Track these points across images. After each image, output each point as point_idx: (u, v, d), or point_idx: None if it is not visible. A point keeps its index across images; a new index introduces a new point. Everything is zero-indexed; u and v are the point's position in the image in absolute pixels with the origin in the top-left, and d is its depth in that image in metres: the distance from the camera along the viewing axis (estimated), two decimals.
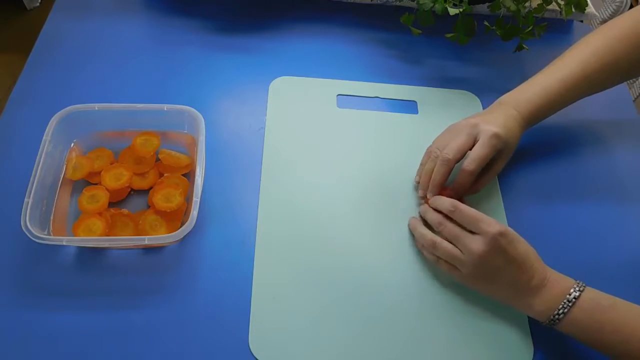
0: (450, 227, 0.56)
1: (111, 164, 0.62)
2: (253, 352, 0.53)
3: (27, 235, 0.52)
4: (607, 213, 0.68)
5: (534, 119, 0.65)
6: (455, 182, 0.61)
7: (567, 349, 0.57)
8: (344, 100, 0.75)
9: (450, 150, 0.60)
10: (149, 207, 0.61)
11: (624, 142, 0.75)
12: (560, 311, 0.51)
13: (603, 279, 0.57)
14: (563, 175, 0.71)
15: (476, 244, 0.53)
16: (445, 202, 0.57)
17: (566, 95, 0.64)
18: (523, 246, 0.54)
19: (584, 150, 0.74)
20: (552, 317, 0.51)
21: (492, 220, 0.53)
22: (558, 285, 0.53)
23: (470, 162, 0.59)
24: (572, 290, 0.51)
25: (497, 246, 0.52)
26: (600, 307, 0.51)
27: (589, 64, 0.63)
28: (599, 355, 0.53)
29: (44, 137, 0.59)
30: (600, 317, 0.50)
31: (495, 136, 0.59)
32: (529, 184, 0.69)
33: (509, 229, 0.53)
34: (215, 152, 0.67)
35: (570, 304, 0.51)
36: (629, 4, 1.04)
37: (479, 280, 0.55)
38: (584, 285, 0.52)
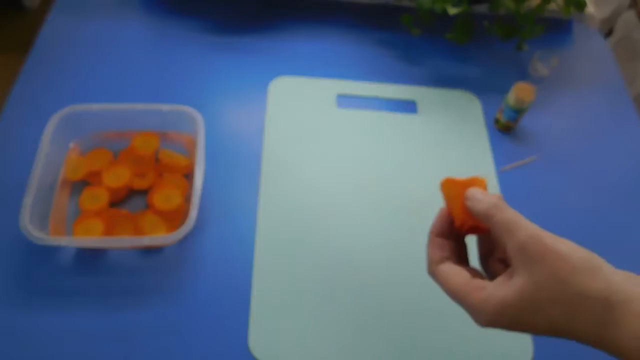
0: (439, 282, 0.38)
1: (110, 164, 0.62)
2: (253, 352, 0.53)
3: (26, 236, 0.52)
4: (607, 213, 0.68)
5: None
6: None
7: (567, 349, 0.57)
8: (344, 100, 0.75)
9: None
10: (148, 207, 0.61)
11: (624, 142, 0.75)
12: None
13: None
14: (563, 175, 0.71)
15: (473, 317, 0.36)
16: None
17: None
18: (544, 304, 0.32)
19: (584, 150, 0.74)
20: None
21: (471, 298, 0.35)
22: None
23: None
24: None
25: (499, 325, 0.34)
26: None
27: None
28: (600, 356, 0.52)
29: (43, 137, 0.59)
30: None
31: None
32: (529, 184, 0.69)
33: (500, 304, 0.33)
34: (215, 152, 0.67)
35: None
36: (628, 4, 1.04)
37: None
38: None
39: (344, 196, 0.65)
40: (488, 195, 0.37)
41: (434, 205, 0.65)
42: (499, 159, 0.71)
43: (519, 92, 0.69)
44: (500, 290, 0.34)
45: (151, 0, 0.83)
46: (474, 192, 0.38)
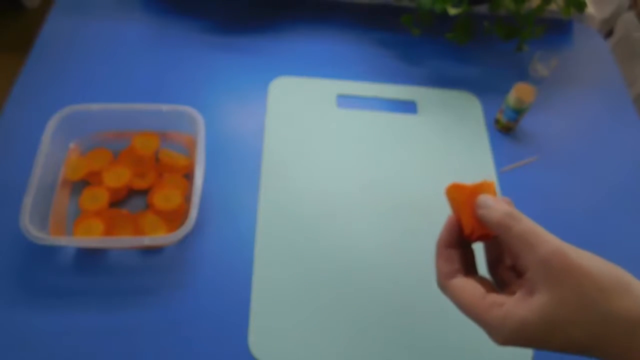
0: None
1: (110, 164, 0.62)
2: (253, 352, 0.53)
3: (26, 235, 0.52)
4: (607, 213, 0.68)
5: None
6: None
7: None
8: (344, 100, 0.75)
9: None
10: (148, 207, 0.61)
11: (624, 142, 0.75)
12: None
13: None
14: (563, 175, 0.71)
15: (490, 335, 0.34)
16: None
17: None
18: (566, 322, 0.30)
19: (584, 150, 0.74)
20: None
21: (488, 316, 0.33)
22: None
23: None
24: None
25: (517, 344, 0.32)
26: None
27: None
28: None
29: (43, 138, 0.59)
30: None
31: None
32: (529, 184, 0.69)
33: (520, 322, 0.31)
34: (215, 152, 0.67)
35: None
36: (628, 5, 1.04)
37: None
38: None
39: (343, 196, 0.65)
40: (500, 202, 0.35)
41: (434, 205, 0.65)
42: (499, 160, 0.71)
43: (519, 92, 0.69)
44: (520, 308, 0.31)
45: (151, 0, 0.83)
46: (485, 199, 0.35)
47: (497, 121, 0.74)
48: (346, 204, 0.64)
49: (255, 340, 0.54)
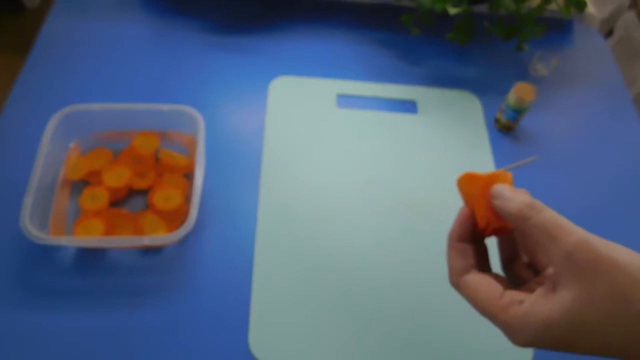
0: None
1: (110, 164, 0.62)
2: (253, 352, 0.53)
3: (26, 235, 0.52)
4: (606, 213, 0.68)
5: None
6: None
7: None
8: (344, 100, 0.75)
9: None
10: (148, 207, 0.61)
11: (624, 142, 0.75)
12: None
13: None
14: (563, 175, 0.71)
15: (509, 336, 0.31)
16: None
17: None
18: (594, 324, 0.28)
19: (584, 150, 0.74)
20: None
21: (507, 315, 0.30)
22: None
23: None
24: None
25: (539, 346, 0.30)
26: None
27: None
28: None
29: (43, 137, 0.59)
30: None
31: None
32: (529, 184, 0.69)
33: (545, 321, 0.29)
34: (215, 152, 0.67)
35: None
36: (628, 4, 1.04)
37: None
38: None
39: (344, 196, 0.65)
40: (518, 192, 0.32)
41: (434, 204, 0.65)
42: (499, 159, 0.71)
43: (519, 92, 0.69)
44: (543, 305, 0.28)
45: (151, 0, 0.83)
46: (501, 189, 0.32)
47: (497, 121, 0.74)
48: (346, 203, 0.64)
49: (255, 340, 0.54)
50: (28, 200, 0.54)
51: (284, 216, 0.62)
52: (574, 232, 0.29)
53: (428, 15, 0.75)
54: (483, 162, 0.70)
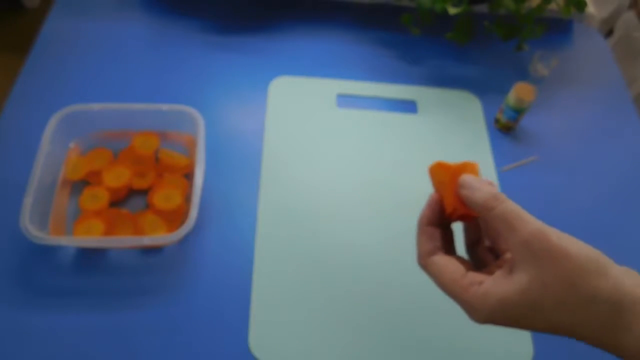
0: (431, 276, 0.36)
1: (110, 164, 0.62)
2: (253, 351, 0.53)
3: (26, 235, 0.52)
4: (606, 213, 0.68)
5: None
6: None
7: (567, 348, 0.57)
8: (344, 100, 0.75)
9: None
10: (148, 207, 0.61)
11: (624, 142, 0.75)
12: None
13: None
14: (563, 175, 0.71)
15: (469, 313, 0.34)
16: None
17: None
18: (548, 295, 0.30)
19: (584, 150, 0.74)
20: None
21: (467, 294, 0.33)
22: None
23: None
24: None
25: (497, 322, 0.33)
26: None
27: None
28: (600, 355, 0.52)
29: (43, 137, 0.59)
30: None
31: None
32: (529, 184, 0.69)
33: (498, 301, 0.31)
34: (215, 152, 0.67)
35: None
36: (628, 4, 1.04)
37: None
38: None
39: (343, 196, 0.65)
40: (484, 183, 0.34)
41: None
42: (499, 159, 0.71)
43: (519, 92, 0.69)
44: (500, 286, 0.32)
45: (151, 0, 0.83)
46: (469, 179, 0.34)
47: (497, 121, 0.74)
48: (346, 203, 0.64)
49: (255, 340, 0.54)
50: (28, 200, 0.54)
51: (284, 216, 0.62)
52: (531, 223, 0.31)
53: (428, 15, 0.75)
54: (483, 162, 0.70)
